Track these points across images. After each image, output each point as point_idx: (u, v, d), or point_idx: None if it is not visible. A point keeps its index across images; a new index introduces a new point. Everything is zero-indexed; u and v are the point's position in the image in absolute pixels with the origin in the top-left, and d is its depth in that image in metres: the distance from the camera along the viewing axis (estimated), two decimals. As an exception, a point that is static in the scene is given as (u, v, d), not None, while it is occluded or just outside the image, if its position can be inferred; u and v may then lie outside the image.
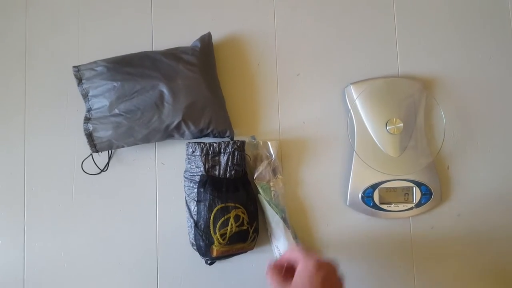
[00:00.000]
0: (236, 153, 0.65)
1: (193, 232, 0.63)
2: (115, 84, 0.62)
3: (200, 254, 0.64)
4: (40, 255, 0.68)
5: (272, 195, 0.67)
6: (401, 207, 0.70)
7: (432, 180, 0.70)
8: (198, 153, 0.64)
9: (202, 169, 0.64)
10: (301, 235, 0.70)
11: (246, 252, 0.66)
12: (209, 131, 0.65)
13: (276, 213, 0.66)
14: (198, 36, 0.69)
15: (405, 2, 0.75)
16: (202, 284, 0.69)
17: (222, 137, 0.67)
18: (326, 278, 0.49)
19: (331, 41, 0.74)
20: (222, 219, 0.61)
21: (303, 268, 0.50)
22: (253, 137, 0.70)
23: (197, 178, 0.64)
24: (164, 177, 0.70)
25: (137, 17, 0.72)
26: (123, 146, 0.65)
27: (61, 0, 0.72)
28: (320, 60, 0.74)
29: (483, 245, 0.73)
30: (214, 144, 0.64)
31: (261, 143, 0.69)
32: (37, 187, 0.68)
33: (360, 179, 0.69)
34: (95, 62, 0.64)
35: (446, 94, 0.74)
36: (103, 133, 0.62)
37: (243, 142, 0.67)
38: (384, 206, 0.69)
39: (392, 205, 0.70)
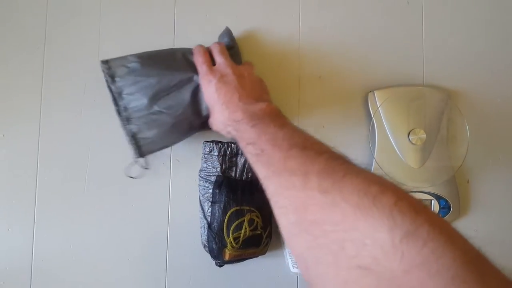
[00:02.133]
0: (253, 155, 0.63)
1: (206, 233, 0.62)
2: (151, 80, 0.58)
3: (211, 257, 0.63)
4: (49, 245, 0.67)
5: None
6: (418, 219, 0.68)
7: (451, 194, 0.68)
8: (215, 153, 0.63)
9: (218, 169, 0.63)
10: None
11: (258, 256, 0.64)
12: None
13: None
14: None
15: (435, 10, 0.73)
16: (210, 285, 0.68)
17: None
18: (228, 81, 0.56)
19: (355, 45, 0.72)
20: (236, 222, 0.60)
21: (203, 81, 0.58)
22: None
23: (213, 179, 0.63)
24: (179, 174, 0.68)
25: (160, 12, 0.70)
26: (166, 146, 0.62)
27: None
28: (343, 63, 0.72)
29: (498, 261, 0.71)
30: (232, 145, 0.63)
31: None
32: (49, 178, 0.67)
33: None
34: (125, 58, 0.60)
35: (470, 106, 0.72)
36: (148, 133, 0.59)
37: (260, 144, 0.65)
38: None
39: (409, 217, 0.68)
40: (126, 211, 0.68)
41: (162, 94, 0.58)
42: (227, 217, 0.60)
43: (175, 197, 0.68)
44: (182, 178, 0.68)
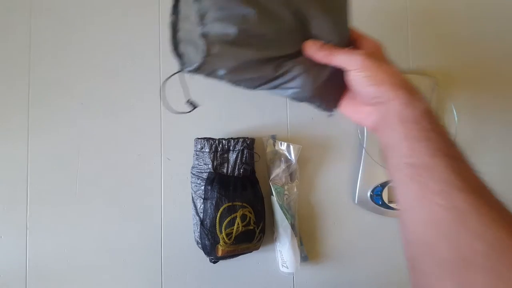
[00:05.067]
0: (245, 151, 0.63)
1: (198, 230, 0.62)
2: (248, 11, 0.43)
3: (205, 253, 0.63)
4: (42, 251, 0.67)
5: (285, 199, 0.66)
6: (411, 206, 0.69)
7: (442, 179, 0.69)
8: (206, 150, 0.63)
9: (210, 166, 0.63)
10: (308, 233, 0.69)
11: (251, 252, 0.65)
12: None
13: (286, 218, 0.64)
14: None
15: (419, -5, 0.73)
16: (206, 282, 0.68)
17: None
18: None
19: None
20: (229, 218, 0.60)
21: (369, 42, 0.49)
22: (273, 137, 0.68)
23: (205, 175, 0.63)
24: (170, 173, 0.68)
25: (144, 10, 0.70)
26: (221, 79, 0.49)
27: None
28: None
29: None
30: (223, 141, 0.63)
31: (283, 145, 0.67)
32: (40, 183, 0.67)
33: (369, 177, 0.68)
34: None
35: (458, 90, 0.72)
36: (224, 64, 0.46)
37: (252, 140, 0.65)
38: (393, 205, 0.68)
39: (401, 204, 0.68)
40: (118, 212, 0.67)
41: (254, 32, 0.45)
42: (219, 213, 0.60)
43: (168, 196, 0.68)
44: (174, 176, 0.68)
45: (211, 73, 0.47)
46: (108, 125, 0.68)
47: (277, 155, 0.67)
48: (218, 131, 0.68)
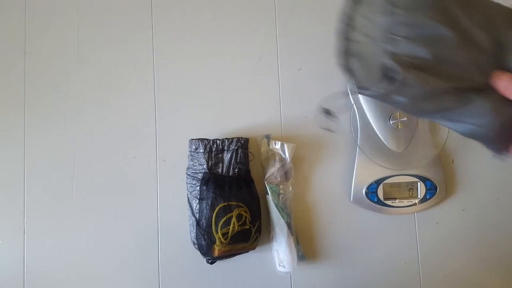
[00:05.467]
0: (239, 151, 0.64)
1: (194, 231, 0.62)
2: (446, 33, 0.37)
3: (201, 254, 0.63)
4: (40, 254, 0.67)
5: (280, 198, 0.66)
6: (406, 202, 0.69)
7: (436, 175, 0.69)
8: (201, 150, 0.63)
9: (205, 166, 0.63)
10: (304, 232, 0.69)
11: (248, 251, 0.65)
12: None
13: (282, 217, 0.65)
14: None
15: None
16: (204, 283, 0.68)
17: None
18: None
19: (332, 34, 0.73)
20: (224, 218, 0.60)
21: None
22: (268, 136, 0.68)
23: (200, 176, 0.63)
24: (165, 175, 0.69)
25: (137, 13, 0.71)
26: (399, 108, 0.44)
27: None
28: (322, 54, 0.72)
29: (488, 240, 0.72)
30: (218, 142, 0.63)
31: (277, 144, 0.67)
32: (37, 186, 0.67)
33: (364, 174, 0.69)
34: None
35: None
36: (409, 92, 0.39)
37: (246, 140, 0.66)
38: (388, 202, 0.68)
39: (397, 200, 0.69)
40: (115, 214, 0.68)
41: (449, 57, 0.38)
42: (215, 213, 0.60)
43: (163, 198, 0.68)
44: (169, 178, 0.68)
45: (385, 98, 0.41)
46: (103, 128, 0.69)
47: (272, 154, 0.67)
48: (213, 132, 0.69)
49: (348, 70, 0.43)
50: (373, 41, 0.39)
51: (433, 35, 0.37)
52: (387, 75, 0.38)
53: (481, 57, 0.39)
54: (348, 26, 0.43)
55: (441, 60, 0.38)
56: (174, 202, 0.68)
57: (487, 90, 0.39)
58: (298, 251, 0.66)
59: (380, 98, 0.41)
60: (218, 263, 0.66)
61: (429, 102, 0.40)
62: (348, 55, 0.43)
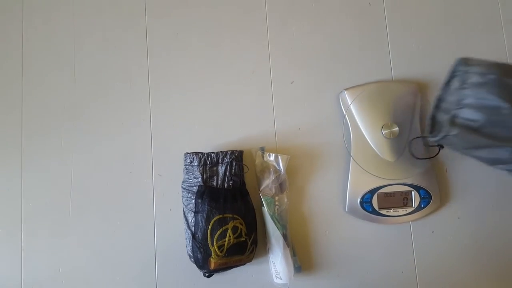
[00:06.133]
0: (234, 163, 0.64)
1: (190, 244, 0.62)
2: (503, 105, 0.51)
3: (197, 267, 0.63)
4: (38, 271, 0.67)
5: (276, 209, 0.67)
6: (401, 211, 0.69)
7: (430, 184, 0.70)
8: (196, 164, 0.64)
9: (200, 179, 0.64)
10: (300, 243, 0.69)
11: (244, 264, 0.65)
12: None
13: (278, 228, 0.65)
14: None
15: (396, 6, 0.75)
16: (202, 297, 0.68)
17: None
18: None
19: (324, 47, 0.74)
20: (220, 230, 0.61)
21: None
22: (262, 149, 0.69)
23: (195, 189, 0.64)
24: (162, 189, 0.69)
25: (132, 20, 0.73)
26: (456, 151, 0.60)
27: (57, 8, 0.72)
28: (314, 67, 0.74)
29: (484, 247, 0.72)
30: (212, 155, 0.64)
31: (271, 156, 0.68)
32: (34, 204, 0.68)
33: (358, 184, 0.69)
34: (486, 65, 0.54)
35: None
36: (459, 143, 0.56)
37: (241, 152, 0.66)
38: (383, 212, 0.69)
39: (392, 210, 0.69)
40: (111, 230, 0.68)
41: (501, 124, 0.52)
42: (210, 225, 0.61)
43: (160, 212, 0.69)
44: (165, 192, 0.69)
45: (449, 145, 0.58)
46: (99, 144, 0.70)
47: (266, 166, 0.68)
48: (209, 145, 0.70)
49: (433, 118, 0.59)
50: (450, 106, 0.56)
51: (492, 106, 0.51)
52: (446, 129, 0.55)
53: None
54: (440, 95, 0.59)
55: (493, 125, 0.52)
56: (171, 216, 0.68)
57: None
58: (294, 262, 0.67)
59: (444, 145, 0.59)
60: (216, 276, 0.66)
61: (481, 151, 0.55)
62: (437, 110, 0.59)
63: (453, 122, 0.54)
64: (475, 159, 0.59)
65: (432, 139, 0.59)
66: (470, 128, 0.53)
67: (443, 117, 0.57)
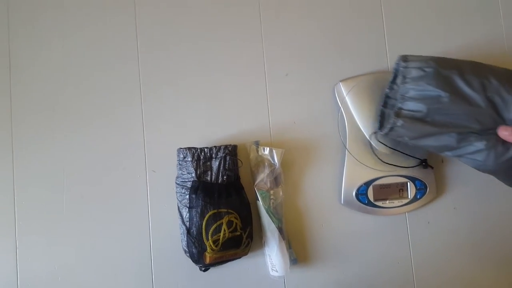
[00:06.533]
0: (227, 158, 0.64)
1: (185, 239, 0.62)
2: (442, 94, 0.55)
3: (193, 261, 0.63)
4: (33, 270, 0.67)
5: (271, 203, 0.66)
6: (396, 203, 0.69)
7: (426, 175, 0.69)
8: (189, 159, 0.63)
9: (193, 175, 0.63)
10: (296, 236, 0.69)
11: (240, 258, 0.65)
12: None
13: (273, 222, 0.65)
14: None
15: (391, -4, 0.74)
16: (199, 291, 0.68)
17: None
18: None
19: (318, 39, 0.73)
20: (215, 225, 0.60)
21: None
22: (257, 143, 0.69)
23: (189, 184, 0.63)
24: (156, 185, 0.69)
25: (122, 13, 0.71)
26: (406, 143, 0.61)
27: (44, 2, 0.71)
28: (308, 59, 0.73)
29: (480, 237, 0.72)
30: (206, 150, 0.64)
31: (266, 150, 0.67)
32: (27, 203, 0.67)
33: (354, 176, 0.69)
34: (424, 60, 0.58)
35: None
36: (406, 133, 0.58)
37: (234, 147, 0.66)
38: (379, 203, 0.69)
39: (387, 201, 0.69)
40: (106, 227, 0.68)
41: (444, 111, 0.56)
42: (205, 220, 0.61)
43: (154, 208, 0.68)
44: (160, 188, 0.69)
45: (398, 137, 0.61)
46: (91, 141, 0.69)
47: (261, 160, 0.67)
48: (203, 140, 0.69)
49: (382, 115, 0.64)
50: (395, 101, 0.60)
51: (432, 96, 0.56)
52: (392, 121, 0.58)
53: (478, 112, 0.55)
54: (390, 87, 0.64)
55: (437, 113, 0.56)
56: (165, 212, 0.68)
57: (486, 134, 0.55)
58: (290, 255, 0.67)
59: (393, 137, 0.61)
60: (212, 270, 0.66)
61: (430, 140, 0.58)
62: (384, 106, 0.64)
63: (398, 114, 0.58)
64: (424, 148, 0.62)
65: (380, 133, 0.62)
66: (415, 118, 0.57)
67: (390, 112, 0.61)
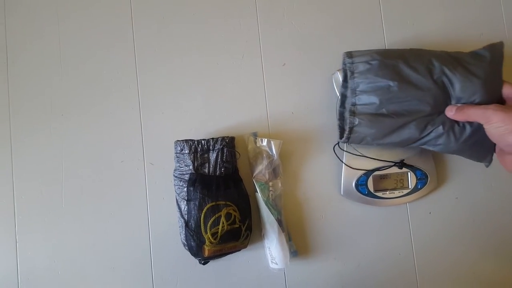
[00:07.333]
0: (225, 150, 0.63)
1: (184, 232, 0.62)
2: (390, 83, 0.57)
3: (192, 254, 0.63)
4: (33, 263, 0.67)
5: (270, 195, 0.66)
6: (397, 193, 0.68)
7: (427, 164, 0.68)
8: (186, 151, 0.63)
9: (191, 167, 0.63)
10: (296, 228, 0.69)
11: (239, 250, 0.64)
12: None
13: (272, 213, 0.64)
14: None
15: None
16: (198, 284, 0.68)
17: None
18: None
19: (315, 27, 0.72)
20: (213, 217, 0.60)
21: None
22: (254, 134, 0.68)
23: (187, 177, 0.63)
24: (154, 178, 0.68)
25: (117, 7, 0.70)
26: (371, 145, 0.62)
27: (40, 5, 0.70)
28: (306, 48, 0.72)
29: (483, 227, 0.72)
30: (203, 142, 0.63)
31: (264, 141, 0.66)
32: (26, 196, 0.67)
33: (353, 167, 0.68)
34: (368, 53, 0.59)
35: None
36: (366, 129, 0.58)
37: (232, 138, 0.65)
38: (379, 194, 0.68)
39: (388, 191, 0.68)
40: (105, 220, 0.68)
41: (396, 100, 0.57)
42: (203, 213, 0.60)
43: (153, 201, 0.68)
44: (158, 181, 0.68)
45: (361, 141, 0.60)
46: (89, 134, 0.69)
47: (259, 152, 0.67)
48: (200, 132, 0.69)
49: (340, 118, 0.65)
50: (349, 99, 0.60)
51: (382, 86, 0.57)
52: (349, 121, 0.59)
53: (429, 95, 0.56)
54: (343, 88, 0.65)
55: (390, 103, 0.57)
56: (164, 204, 0.68)
57: (442, 118, 0.57)
58: (290, 247, 0.66)
59: (356, 142, 0.61)
60: (211, 263, 0.66)
61: (393, 137, 0.59)
62: (342, 107, 0.65)
63: (353, 112, 0.59)
64: (390, 146, 0.64)
65: (341, 141, 0.62)
66: (370, 113, 0.58)
67: (346, 114, 0.60)
